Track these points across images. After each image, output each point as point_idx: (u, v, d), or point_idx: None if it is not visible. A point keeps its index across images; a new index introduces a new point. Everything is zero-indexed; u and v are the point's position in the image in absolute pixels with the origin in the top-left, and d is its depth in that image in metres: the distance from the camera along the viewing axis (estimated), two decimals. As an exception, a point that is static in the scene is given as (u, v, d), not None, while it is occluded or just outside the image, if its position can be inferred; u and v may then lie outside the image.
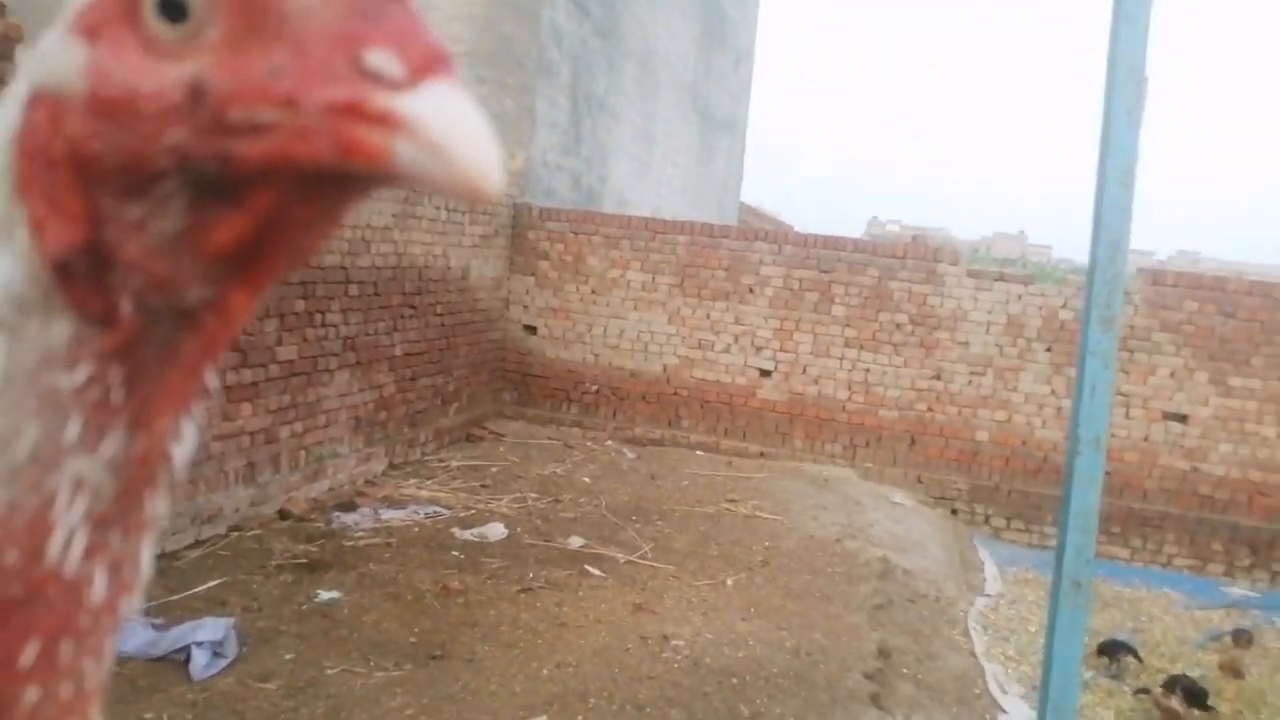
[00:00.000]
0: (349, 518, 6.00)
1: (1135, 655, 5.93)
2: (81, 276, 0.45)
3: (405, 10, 0.43)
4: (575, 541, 6.03)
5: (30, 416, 0.44)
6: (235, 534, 5.53)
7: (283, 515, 5.90)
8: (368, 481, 6.87)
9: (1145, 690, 5.38)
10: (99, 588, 0.45)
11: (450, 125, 0.41)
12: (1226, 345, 8.26)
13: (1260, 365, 8.19)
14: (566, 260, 9.55)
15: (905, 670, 5.02)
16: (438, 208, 7.78)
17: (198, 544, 5.30)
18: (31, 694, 0.44)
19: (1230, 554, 8.15)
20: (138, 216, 0.45)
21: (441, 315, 8.02)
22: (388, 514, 6.14)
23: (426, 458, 7.77)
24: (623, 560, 5.84)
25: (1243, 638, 6.40)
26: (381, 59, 0.41)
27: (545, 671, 4.33)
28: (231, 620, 4.28)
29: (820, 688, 4.53)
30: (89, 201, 0.44)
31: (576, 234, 9.54)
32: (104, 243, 0.45)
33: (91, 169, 0.44)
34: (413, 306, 7.48)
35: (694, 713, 4.13)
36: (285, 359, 6.10)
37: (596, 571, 5.60)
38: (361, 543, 5.65)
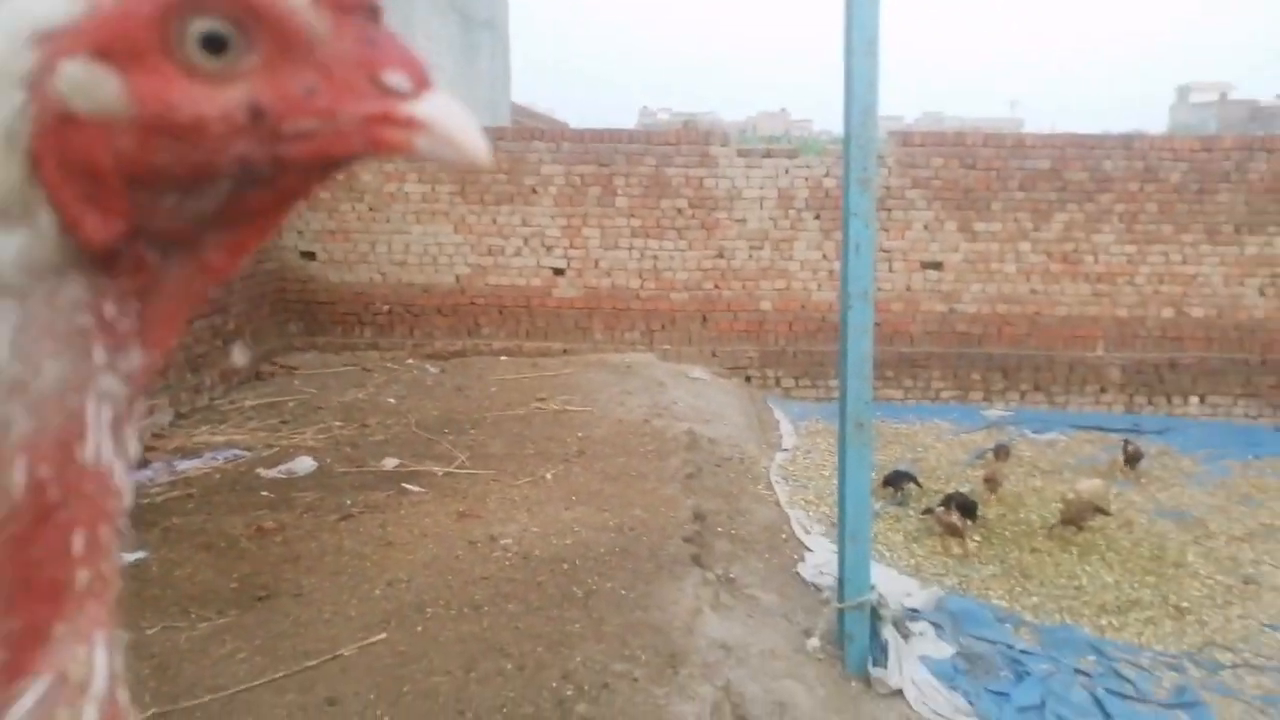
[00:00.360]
0: (141, 475, 5.68)
1: (915, 482, 6.60)
2: (117, 251, 0.54)
3: (396, 39, 0.58)
4: (389, 462, 5.99)
5: (51, 355, 0.52)
6: (15, 511, 5.13)
7: (66, 484, 5.52)
8: (155, 435, 6.49)
9: (929, 510, 6.02)
10: (119, 476, 0.54)
11: (454, 122, 0.57)
12: (970, 195, 9.05)
13: (999, 210, 9.05)
14: (337, 178, 9.14)
15: (720, 529, 5.38)
16: (186, 136, 7.23)
17: (-27, 528, 4.89)
18: (84, 576, 0.52)
19: (986, 381, 9.12)
20: (181, 203, 0.55)
21: (209, 251, 7.53)
22: (184, 464, 5.86)
23: (216, 402, 7.40)
24: (440, 473, 5.87)
25: (1001, 452, 7.24)
26: (395, 78, 0.57)
27: (378, 592, 4.33)
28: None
29: (645, 558, 4.79)
30: (131, 199, 0.53)
31: (343, 151, 9.13)
32: (141, 224, 0.54)
33: (146, 176, 0.53)
34: (175, 245, 7.00)
35: (530, 603, 4.27)
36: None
37: (415, 488, 5.60)
38: (160, 498, 5.38)
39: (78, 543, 0.52)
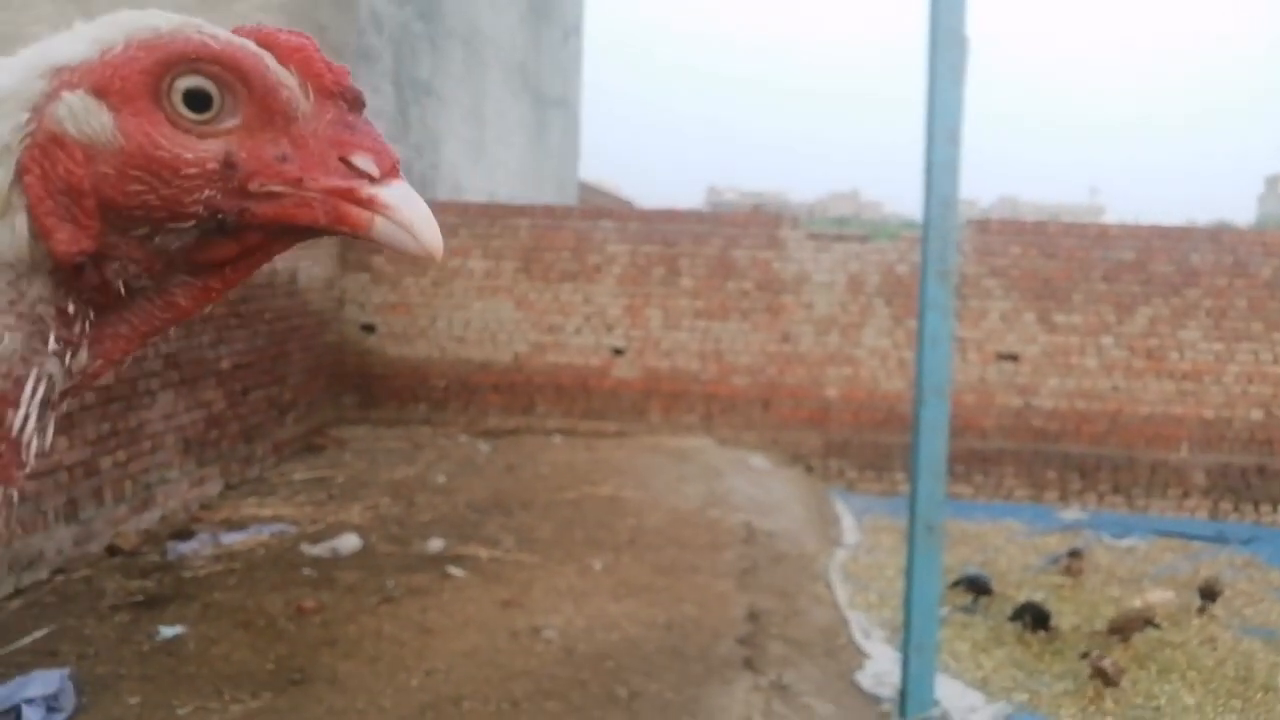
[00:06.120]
0: (186, 546, 5.62)
1: (988, 590, 6.18)
2: (83, 266, 0.61)
3: (372, 127, 0.66)
4: (435, 544, 5.84)
5: (10, 329, 0.59)
6: (60, 577, 5.10)
7: (112, 551, 5.48)
8: (203, 506, 6.45)
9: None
10: (29, 452, 0.61)
11: (413, 210, 0.64)
12: (1049, 285, 8.76)
13: (1080, 301, 8.73)
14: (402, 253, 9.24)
15: (774, 630, 5.10)
16: (257, 208, 7.35)
17: (18, 592, 4.85)
18: None
19: (1063, 481, 8.69)
20: (148, 236, 0.63)
21: (271, 322, 7.60)
22: (229, 538, 5.79)
23: (266, 474, 7.36)
24: (486, 557, 5.71)
25: (1077, 556, 6.82)
26: (364, 161, 0.64)
27: (415, 682, 4.18)
28: (65, 670, 3.94)
29: (694, 659, 4.56)
30: (103, 224, 0.61)
31: (411, 225, 9.24)
32: (110, 247, 0.62)
33: (121, 204, 0.61)
34: (238, 315, 7.06)
35: (571, 702, 4.07)
36: (101, 384, 5.66)
37: (459, 572, 5.44)
38: (202, 571, 5.30)
39: None
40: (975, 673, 5.36)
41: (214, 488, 6.70)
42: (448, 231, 9.09)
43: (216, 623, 4.67)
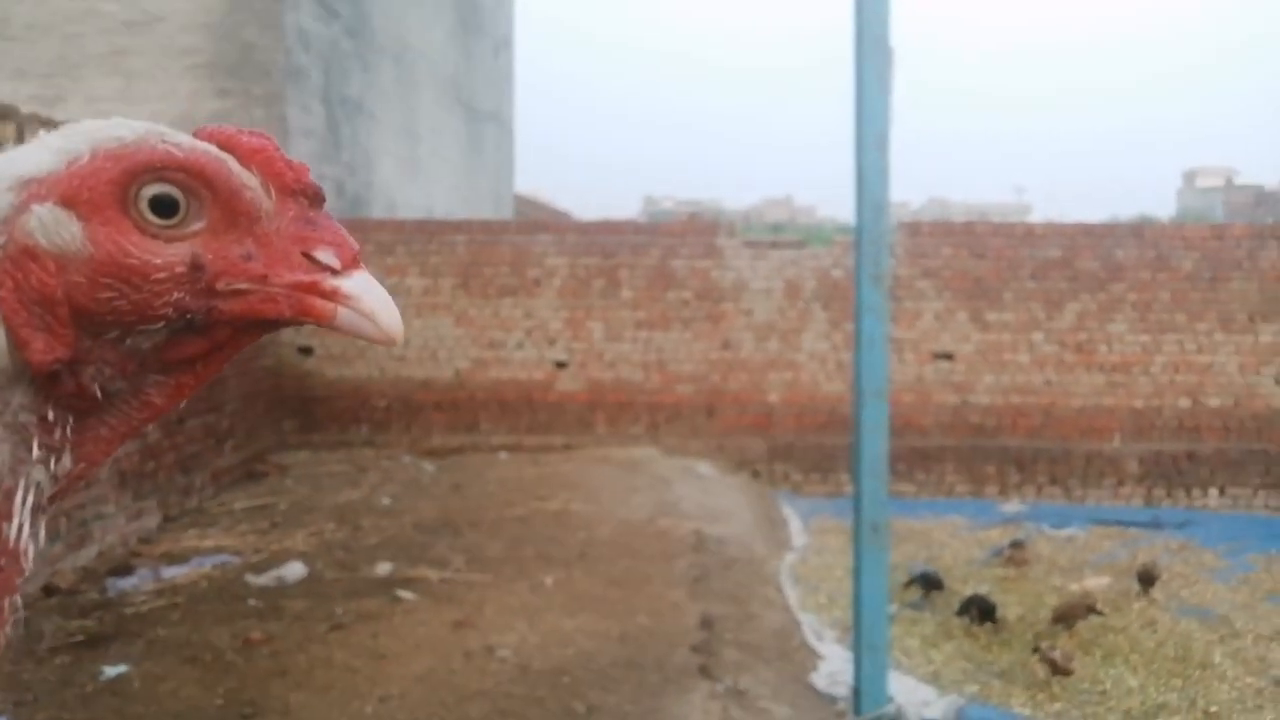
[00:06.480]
0: (126, 582, 5.47)
1: (939, 585, 6.28)
2: (59, 373, 0.62)
3: (333, 221, 0.68)
4: (383, 568, 5.77)
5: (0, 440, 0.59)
6: (-7, 621, 4.92)
7: (48, 591, 5.30)
8: (142, 540, 6.28)
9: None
10: (28, 558, 0.61)
11: (374, 299, 0.66)
12: (980, 285, 8.97)
13: (1010, 299, 8.96)
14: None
15: (728, 636, 5.13)
16: (187, 233, 7.20)
17: (-53, 640, 4.67)
18: None
19: (1002, 474, 8.89)
20: (120, 338, 0.64)
21: (207, 348, 7.43)
22: (170, 571, 5.64)
23: (206, 504, 7.19)
24: (436, 578, 5.65)
25: (1019, 548, 6.98)
26: (326, 255, 0.66)
27: (369, 709, 4.11)
28: (3, 719, 3.81)
29: (650, 669, 4.56)
30: (77, 331, 0.62)
31: (347, 245, 9.12)
32: (85, 352, 0.63)
33: (93, 310, 0.62)
34: (172, 342, 6.90)
35: (528, 720, 4.05)
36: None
37: (409, 595, 5.38)
38: (144, 607, 5.16)
39: None
40: (927, 667, 5.45)
41: (152, 521, 6.52)
42: (384, 250, 9.03)
43: (162, 659, 4.55)
